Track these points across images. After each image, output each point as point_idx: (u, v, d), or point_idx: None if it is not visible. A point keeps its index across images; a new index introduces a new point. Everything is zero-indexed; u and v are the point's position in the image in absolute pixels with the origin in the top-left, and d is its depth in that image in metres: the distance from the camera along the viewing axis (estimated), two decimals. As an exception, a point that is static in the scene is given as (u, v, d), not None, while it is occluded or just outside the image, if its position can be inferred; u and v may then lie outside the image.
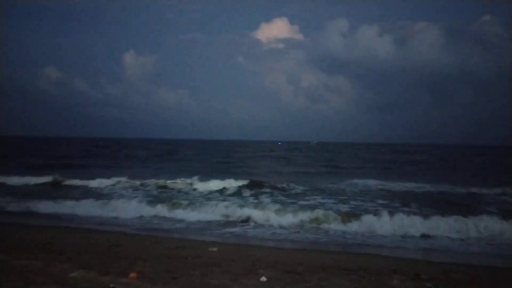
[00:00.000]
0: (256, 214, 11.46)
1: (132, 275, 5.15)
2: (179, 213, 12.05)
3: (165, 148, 69.01)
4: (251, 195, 15.43)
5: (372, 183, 20.00)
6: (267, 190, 16.48)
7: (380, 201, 14.12)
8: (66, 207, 12.77)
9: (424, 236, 9.89)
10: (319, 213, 11.34)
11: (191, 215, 11.82)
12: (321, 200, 14.31)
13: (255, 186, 17.22)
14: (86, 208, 12.65)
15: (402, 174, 25.75)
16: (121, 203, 12.95)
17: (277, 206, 12.55)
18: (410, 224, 10.44)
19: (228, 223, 11.25)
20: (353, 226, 10.55)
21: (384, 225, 10.44)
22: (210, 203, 12.99)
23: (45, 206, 12.79)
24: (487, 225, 10.12)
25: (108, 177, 18.76)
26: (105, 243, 8.05)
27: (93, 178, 18.82)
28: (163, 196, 15.14)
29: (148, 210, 12.35)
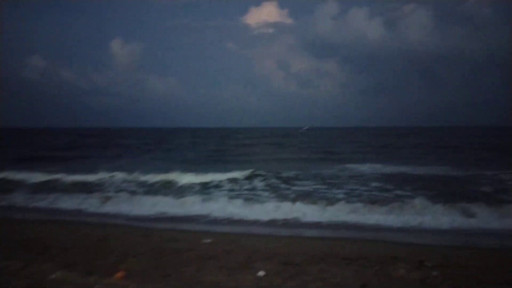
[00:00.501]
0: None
1: (119, 274, 4.77)
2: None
3: (156, 137, 68.21)
4: (262, 189, 14.06)
5: (368, 167, 19.85)
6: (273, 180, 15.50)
7: (375, 185, 13.95)
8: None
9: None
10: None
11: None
12: (319, 186, 14.06)
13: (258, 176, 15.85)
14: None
15: (397, 157, 25.62)
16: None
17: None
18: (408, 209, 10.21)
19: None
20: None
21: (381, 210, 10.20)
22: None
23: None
24: (479, 207, 9.92)
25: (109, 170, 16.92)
26: (93, 237, 7.65)
27: (93, 171, 16.72)
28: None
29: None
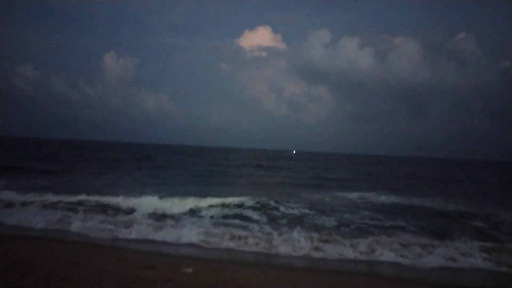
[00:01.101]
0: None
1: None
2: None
3: (143, 153, 66.98)
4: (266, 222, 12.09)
5: (356, 196, 19.37)
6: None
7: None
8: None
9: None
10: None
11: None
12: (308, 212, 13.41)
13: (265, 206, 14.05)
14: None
15: (384, 186, 25.29)
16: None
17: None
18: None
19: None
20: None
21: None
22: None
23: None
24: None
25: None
26: (62, 259, 6.87)
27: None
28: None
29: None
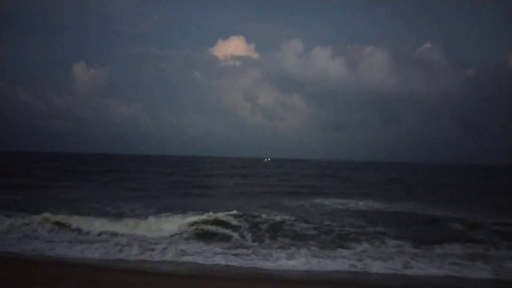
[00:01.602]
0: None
1: None
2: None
3: (114, 164, 65.10)
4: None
5: (333, 202, 19.39)
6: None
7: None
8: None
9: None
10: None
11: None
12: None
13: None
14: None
15: (363, 193, 25.50)
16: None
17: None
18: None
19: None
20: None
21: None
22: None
23: None
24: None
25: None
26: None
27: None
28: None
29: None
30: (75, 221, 11.68)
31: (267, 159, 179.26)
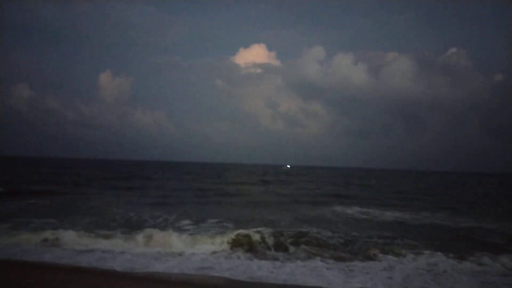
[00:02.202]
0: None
1: None
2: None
3: (138, 170, 66.02)
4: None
5: (354, 211, 18.90)
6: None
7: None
8: None
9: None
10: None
11: None
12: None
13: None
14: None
15: (387, 203, 24.77)
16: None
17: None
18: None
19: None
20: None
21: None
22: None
23: None
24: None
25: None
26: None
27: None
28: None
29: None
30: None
31: (288, 166, 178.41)
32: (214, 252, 9.94)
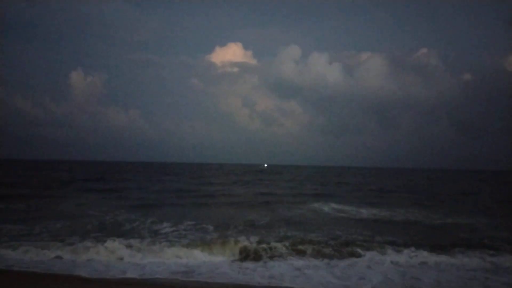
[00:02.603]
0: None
1: None
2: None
3: (104, 171, 64.57)
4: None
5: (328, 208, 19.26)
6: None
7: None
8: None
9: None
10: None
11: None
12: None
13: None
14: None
15: (363, 200, 25.21)
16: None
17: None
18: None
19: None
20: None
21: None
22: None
23: None
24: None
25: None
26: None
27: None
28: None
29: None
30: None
31: (265, 165, 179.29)
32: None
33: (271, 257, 9.55)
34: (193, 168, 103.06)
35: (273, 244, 10.39)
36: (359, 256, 9.64)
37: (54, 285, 7.18)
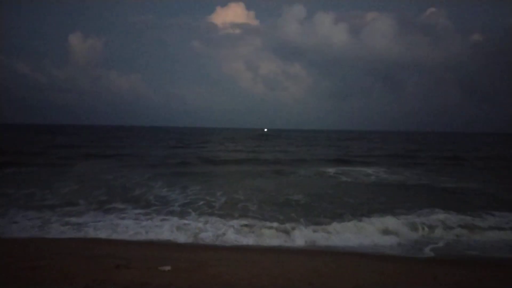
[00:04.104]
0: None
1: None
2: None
3: (111, 136, 64.68)
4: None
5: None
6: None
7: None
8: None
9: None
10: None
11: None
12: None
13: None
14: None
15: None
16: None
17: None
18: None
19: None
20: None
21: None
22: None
23: None
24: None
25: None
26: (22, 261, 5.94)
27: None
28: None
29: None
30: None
31: (265, 129, 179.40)
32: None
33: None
34: (197, 133, 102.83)
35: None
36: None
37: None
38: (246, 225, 8.96)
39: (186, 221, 9.33)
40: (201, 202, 11.65)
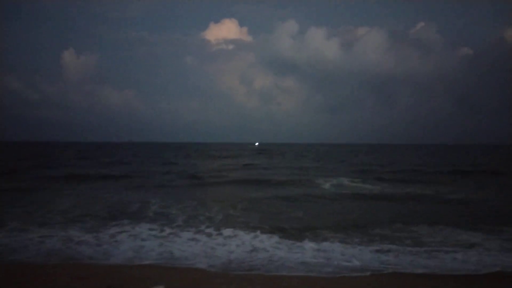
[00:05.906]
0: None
1: None
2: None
3: (102, 153, 63.65)
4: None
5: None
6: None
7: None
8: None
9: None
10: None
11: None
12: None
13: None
14: None
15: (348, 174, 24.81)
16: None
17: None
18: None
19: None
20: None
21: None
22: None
23: None
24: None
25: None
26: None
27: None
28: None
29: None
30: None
31: (256, 143, 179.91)
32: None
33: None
34: (190, 148, 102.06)
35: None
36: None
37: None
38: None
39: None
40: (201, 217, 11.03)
